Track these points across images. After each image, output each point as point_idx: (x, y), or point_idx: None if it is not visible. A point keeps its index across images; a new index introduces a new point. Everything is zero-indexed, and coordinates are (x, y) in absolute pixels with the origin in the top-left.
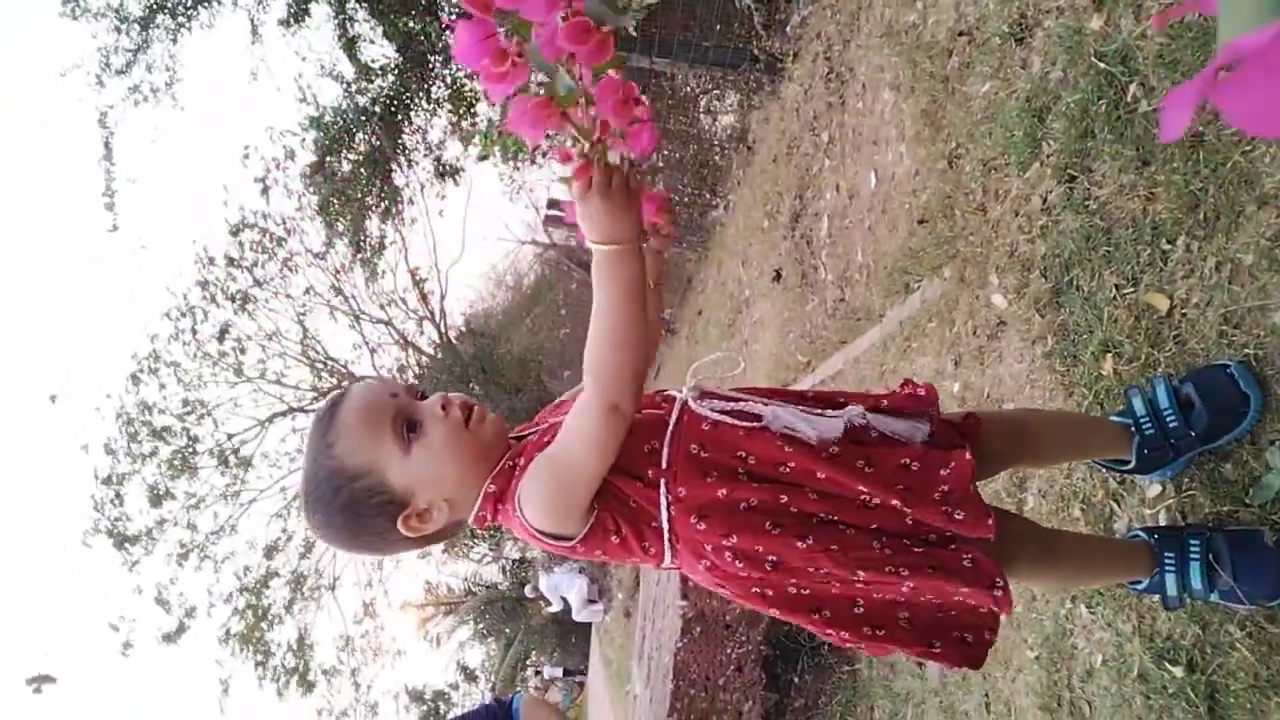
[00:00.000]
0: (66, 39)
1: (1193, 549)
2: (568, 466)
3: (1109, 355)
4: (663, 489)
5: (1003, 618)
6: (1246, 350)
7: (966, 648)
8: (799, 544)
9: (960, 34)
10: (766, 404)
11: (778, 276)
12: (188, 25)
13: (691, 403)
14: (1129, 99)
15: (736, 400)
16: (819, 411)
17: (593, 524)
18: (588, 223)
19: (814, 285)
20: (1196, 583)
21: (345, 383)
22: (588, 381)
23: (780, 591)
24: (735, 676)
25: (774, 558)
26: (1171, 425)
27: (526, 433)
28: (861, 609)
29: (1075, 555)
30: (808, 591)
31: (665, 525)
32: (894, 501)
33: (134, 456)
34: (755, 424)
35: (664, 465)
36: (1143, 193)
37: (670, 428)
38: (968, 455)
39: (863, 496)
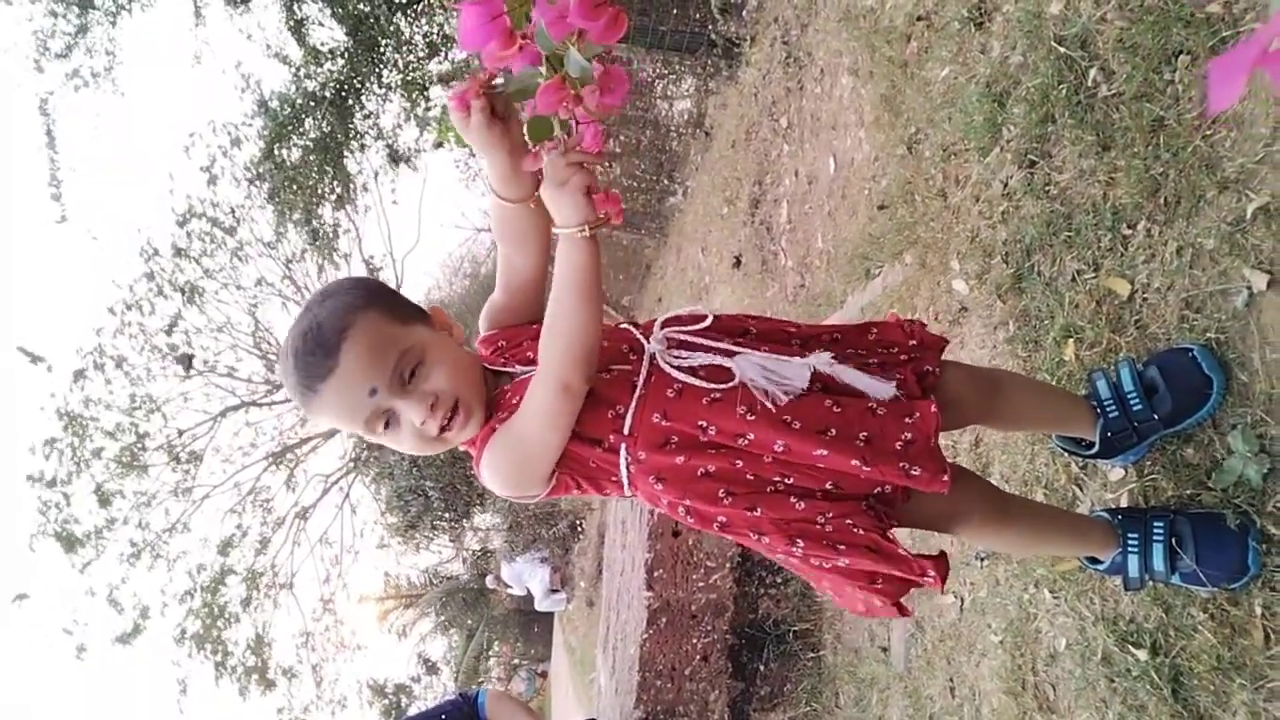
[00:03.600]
0: (2, 21)
1: (1156, 531)
2: (525, 444)
3: (1070, 340)
4: (623, 452)
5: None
6: (1208, 334)
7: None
8: (747, 513)
9: (919, 19)
10: (734, 354)
11: (737, 262)
12: (127, 6)
13: (659, 357)
14: (1089, 83)
15: (705, 349)
16: (786, 358)
17: (554, 484)
18: (552, 208)
19: (774, 271)
20: (1159, 564)
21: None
22: (540, 362)
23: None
24: (701, 666)
25: (723, 519)
26: (1135, 409)
27: (502, 369)
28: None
29: (1030, 519)
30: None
31: (625, 481)
32: (853, 462)
33: (79, 457)
34: (723, 385)
35: (626, 431)
36: (1103, 178)
37: (637, 391)
38: (933, 408)
39: (820, 464)
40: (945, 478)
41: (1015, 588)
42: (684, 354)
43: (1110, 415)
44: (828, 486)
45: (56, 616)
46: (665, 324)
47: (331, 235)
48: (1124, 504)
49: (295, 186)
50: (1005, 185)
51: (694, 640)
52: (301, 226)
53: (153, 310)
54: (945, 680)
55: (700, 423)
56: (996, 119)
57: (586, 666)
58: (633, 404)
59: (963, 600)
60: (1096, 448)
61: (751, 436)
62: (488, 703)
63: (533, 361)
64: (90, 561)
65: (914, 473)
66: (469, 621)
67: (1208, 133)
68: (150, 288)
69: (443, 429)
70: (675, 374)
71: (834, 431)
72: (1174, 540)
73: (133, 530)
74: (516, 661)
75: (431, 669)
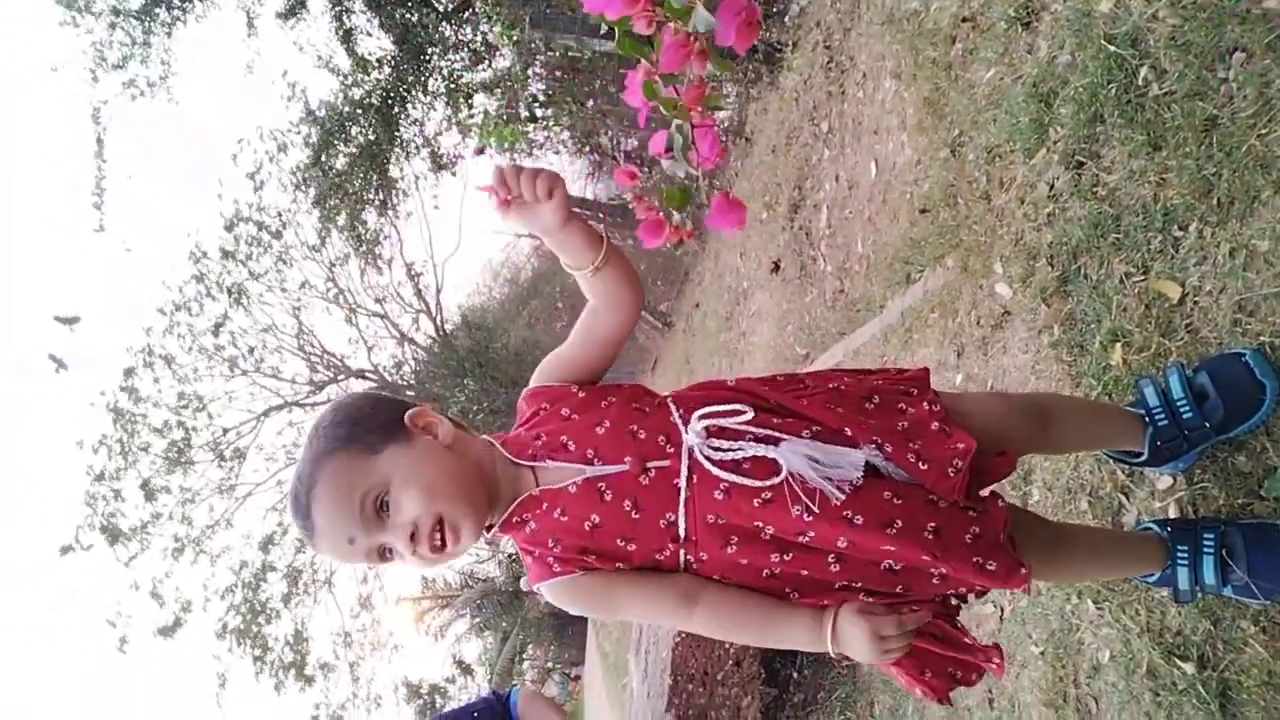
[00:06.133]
0: (61, 36)
1: (1206, 542)
2: (620, 613)
3: (1118, 345)
4: (682, 556)
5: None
6: (1261, 338)
7: (951, 682)
8: (813, 601)
9: (964, 20)
10: (778, 444)
11: (776, 268)
12: (183, 19)
13: (698, 451)
14: (1140, 82)
15: (747, 436)
16: (834, 448)
17: None
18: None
19: (813, 276)
20: (1209, 577)
21: (340, 379)
22: (703, 624)
23: None
24: (734, 671)
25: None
26: (1185, 416)
27: (529, 463)
28: None
29: (1084, 549)
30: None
31: (682, 569)
32: (924, 557)
33: (127, 452)
34: (770, 482)
35: (683, 537)
36: (1154, 178)
37: (682, 494)
38: (1000, 504)
39: (887, 560)
40: (1024, 572)
41: (1057, 598)
42: (725, 444)
43: (1159, 423)
44: (898, 591)
45: (101, 608)
46: (703, 415)
47: (374, 240)
48: (1172, 513)
49: (341, 192)
50: (1051, 187)
51: (726, 645)
52: (346, 231)
53: (201, 310)
54: (984, 691)
55: (756, 523)
56: (1043, 120)
57: (619, 671)
58: (681, 508)
59: (1003, 610)
60: (1145, 456)
61: (812, 534)
62: (519, 702)
63: (569, 454)
64: (135, 555)
65: (989, 567)
66: (504, 624)
67: (1263, 131)
68: (199, 290)
69: (437, 548)
70: (719, 473)
71: (899, 523)
72: (1225, 552)
73: (177, 525)
74: (550, 665)
75: (466, 670)
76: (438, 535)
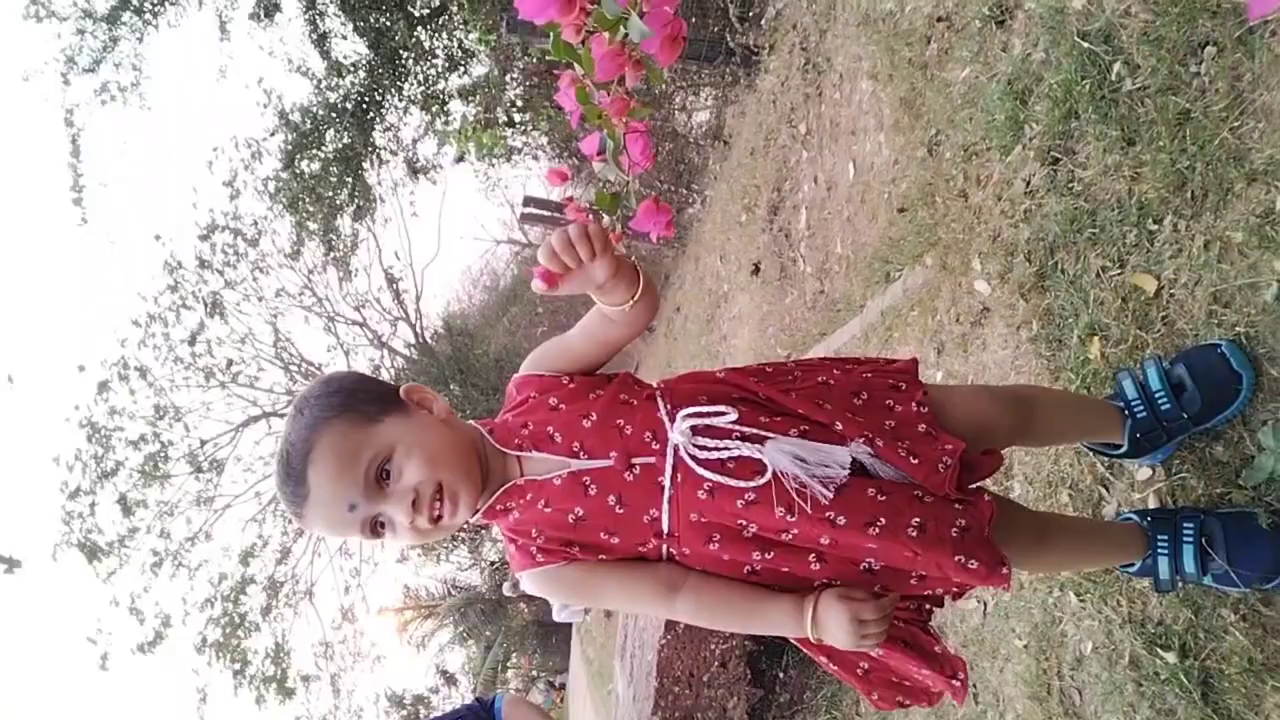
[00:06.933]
0: (31, 40)
1: (1186, 532)
2: (601, 603)
3: (1096, 338)
4: (664, 549)
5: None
6: (1237, 329)
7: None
8: None
9: (939, 20)
10: (764, 444)
11: (756, 270)
12: (154, 23)
13: (683, 450)
14: (1113, 78)
15: (733, 434)
16: (821, 445)
17: None
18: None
19: (793, 278)
20: (1189, 566)
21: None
22: (685, 612)
23: None
24: (720, 673)
25: None
26: (1164, 408)
27: (511, 452)
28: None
29: (1066, 538)
30: None
31: (664, 560)
32: (905, 554)
33: (102, 470)
34: (755, 483)
35: (665, 532)
36: (1128, 173)
37: (666, 492)
38: (987, 498)
39: (867, 559)
40: (1005, 571)
41: (1040, 591)
42: (710, 443)
43: (1138, 416)
44: (875, 590)
45: (81, 626)
46: (689, 415)
47: (350, 247)
48: (1152, 504)
49: (315, 198)
50: (1028, 183)
51: (712, 646)
52: (320, 238)
53: (178, 321)
54: (968, 686)
55: (740, 521)
56: (1018, 117)
57: (604, 678)
58: (665, 505)
59: (986, 604)
60: (1125, 448)
61: (795, 533)
62: (504, 708)
63: (555, 445)
64: (114, 571)
65: (971, 565)
66: (487, 633)
67: (1235, 124)
68: (174, 300)
69: (435, 518)
70: (704, 473)
71: (883, 521)
72: (1204, 541)
73: (155, 539)
74: (534, 674)
75: (450, 680)
76: (437, 504)
